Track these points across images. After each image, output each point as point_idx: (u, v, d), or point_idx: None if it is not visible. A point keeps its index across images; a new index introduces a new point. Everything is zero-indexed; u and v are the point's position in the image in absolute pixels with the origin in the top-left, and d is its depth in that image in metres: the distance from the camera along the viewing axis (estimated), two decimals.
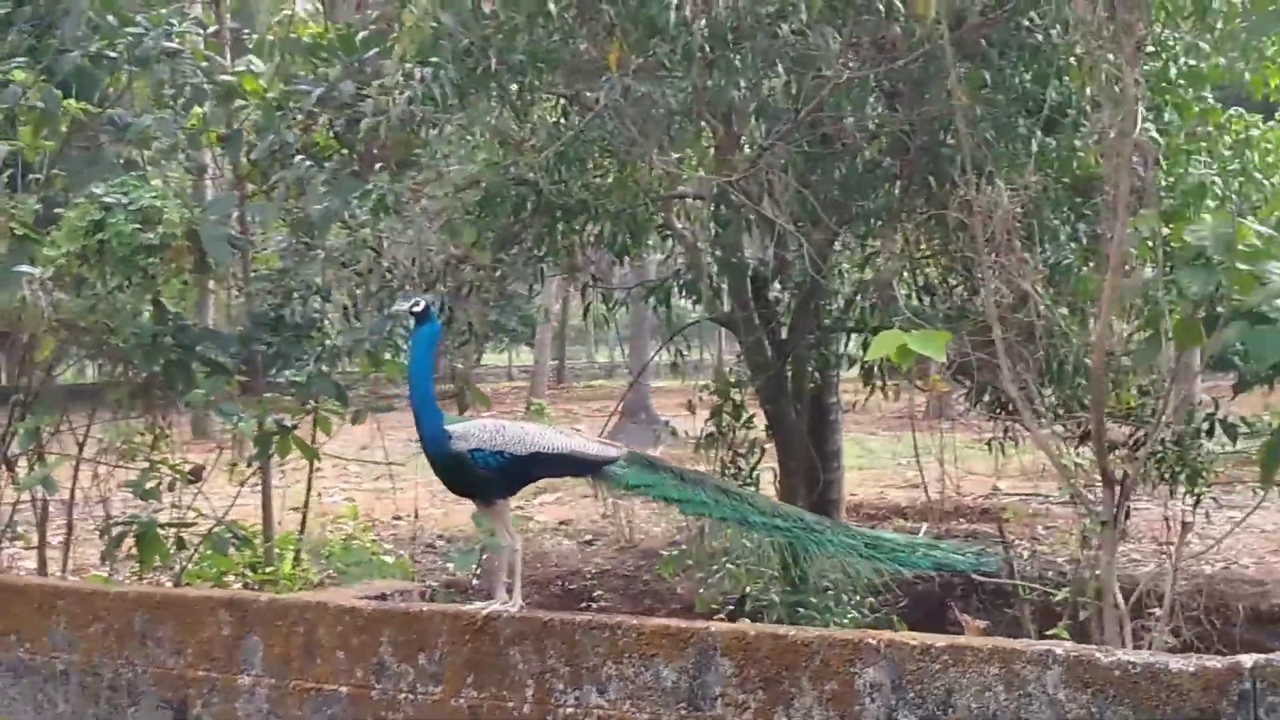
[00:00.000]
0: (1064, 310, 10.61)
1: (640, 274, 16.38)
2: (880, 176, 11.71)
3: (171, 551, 12.43)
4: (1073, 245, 11.27)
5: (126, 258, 10.87)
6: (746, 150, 11.75)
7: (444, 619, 6.53)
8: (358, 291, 11.71)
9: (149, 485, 11.35)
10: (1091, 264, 11.24)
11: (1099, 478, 8.88)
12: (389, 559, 15.70)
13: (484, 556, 12.08)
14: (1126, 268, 8.93)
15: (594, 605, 16.28)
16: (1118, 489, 8.81)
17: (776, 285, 13.54)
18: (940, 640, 5.61)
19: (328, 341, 11.72)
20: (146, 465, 11.85)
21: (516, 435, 6.70)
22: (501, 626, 6.37)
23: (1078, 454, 10.44)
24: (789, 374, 13.52)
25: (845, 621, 12.43)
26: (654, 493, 6.99)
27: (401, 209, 11.27)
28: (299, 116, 12.33)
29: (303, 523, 14.81)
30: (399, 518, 19.34)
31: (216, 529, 12.57)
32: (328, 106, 12.22)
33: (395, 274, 11.41)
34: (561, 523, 19.29)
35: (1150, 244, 8.81)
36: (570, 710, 6.19)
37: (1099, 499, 8.88)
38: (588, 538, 18.61)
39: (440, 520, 18.78)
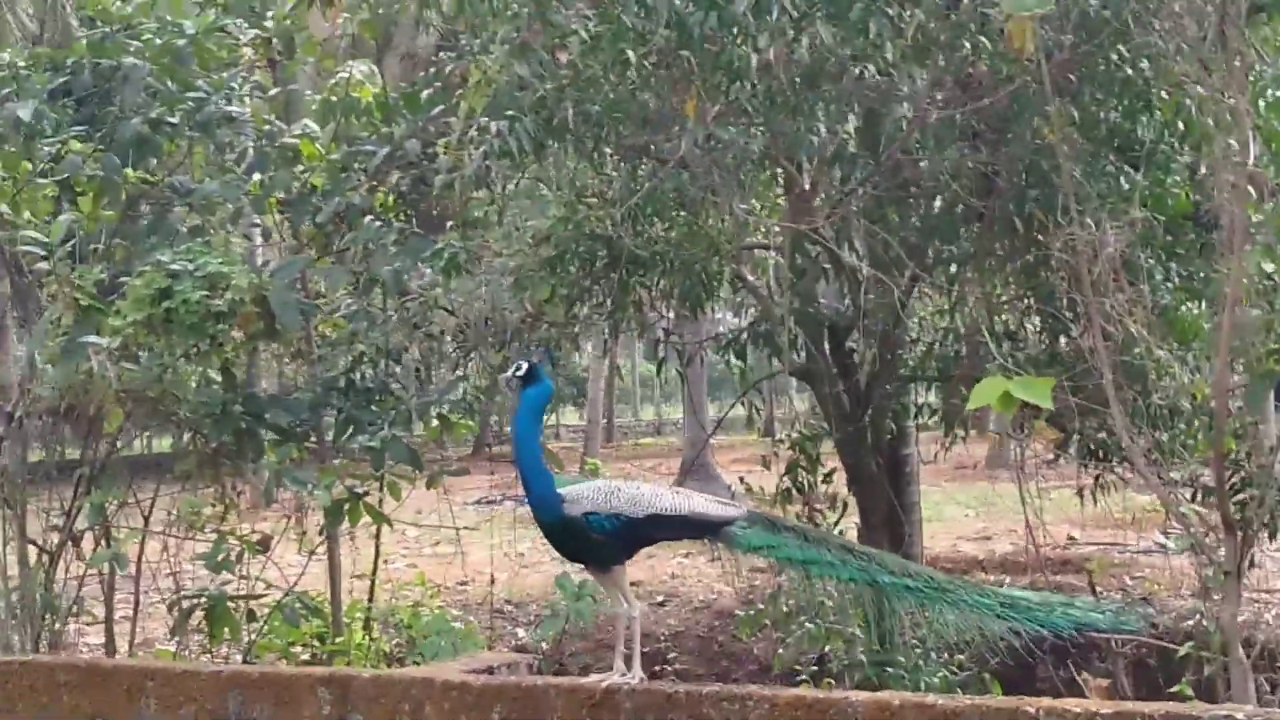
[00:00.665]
0: (1163, 351, 10.25)
1: (697, 330, 15.99)
2: (961, 219, 11.35)
3: (241, 624, 12.19)
4: (1168, 285, 10.90)
5: (195, 325, 10.63)
6: (823, 197, 11.40)
7: (560, 693, 6.22)
8: (431, 353, 11.46)
9: (220, 557, 11.04)
10: (1189, 304, 10.91)
11: (1214, 525, 8.56)
12: (458, 625, 15.40)
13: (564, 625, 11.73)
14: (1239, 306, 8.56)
15: (670, 669, 15.89)
16: (1239, 537, 8.46)
17: (855, 335, 13.18)
18: (1105, 707, 5.26)
19: (400, 405, 11.40)
20: (216, 536, 11.59)
21: (631, 497, 6.55)
22: (622, 700, 6.03)
23: (1188, 501, 10.07)
24: (868, 426, 13.16)
25: (935, 681, 12.02)
26: (777, 554, 6.77)
27: (472, 267, 11.02)
28: (363, 178, 12.10)
29: (371, 591, 14.51)
30: (464, 583, 19.00)
31: (286, 600, 12.34)
32: (393, 166, 11.98)
33: (468, 334, 11.14)
34: (631, 583, 18.93)
35: (1251, 281, 8.49)
36: None
37: (1212, 546, 8.56)
38: (659, 598, 18.24)
39: (506, 584, 18.45)
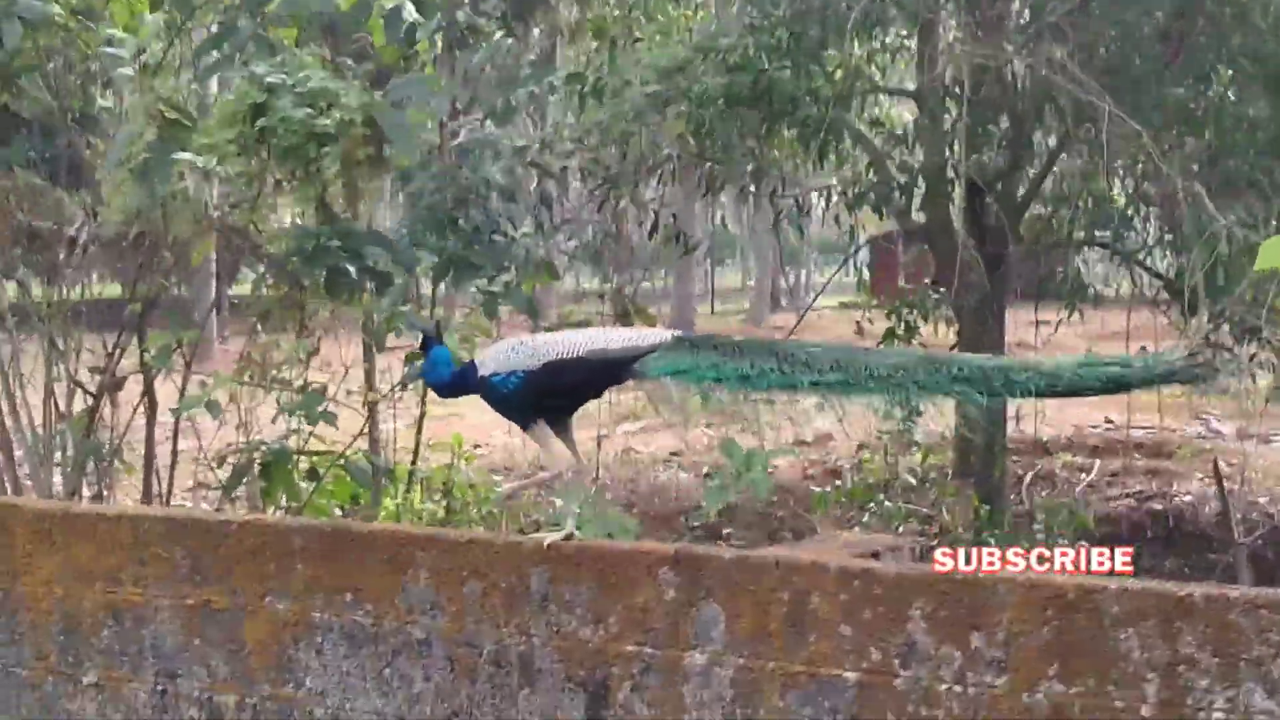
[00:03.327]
0: None
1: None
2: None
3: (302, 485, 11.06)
4: None
5: (294, 147, 9.29)
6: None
7: (1013, 589, 5.04)
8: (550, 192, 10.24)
9: (320, 407, 9.83)
10: None
11: None
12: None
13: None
14: None
15: (732, 544, 14.87)
16: None
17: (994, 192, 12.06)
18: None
19: (515, 248, 10.17)
20: (299, 386, 10.37)
21: (533, 349, 6.19)
22: (1107, 602, 4.85)
23: None
24: (993, 293, 12.09)
25: None
26: (688, 378, 6.10)
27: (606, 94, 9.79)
28: None
29: (415, 450, 13.32)
30: (478, 445, 17.85)
31: (355, 456, 11.16)
32: None
33: (596, 171, 9.93)
34: (672, 453, 17.79)
35: None
36: (1220, 715, 4.71)
37: None
38: (706, 469, 17.16)
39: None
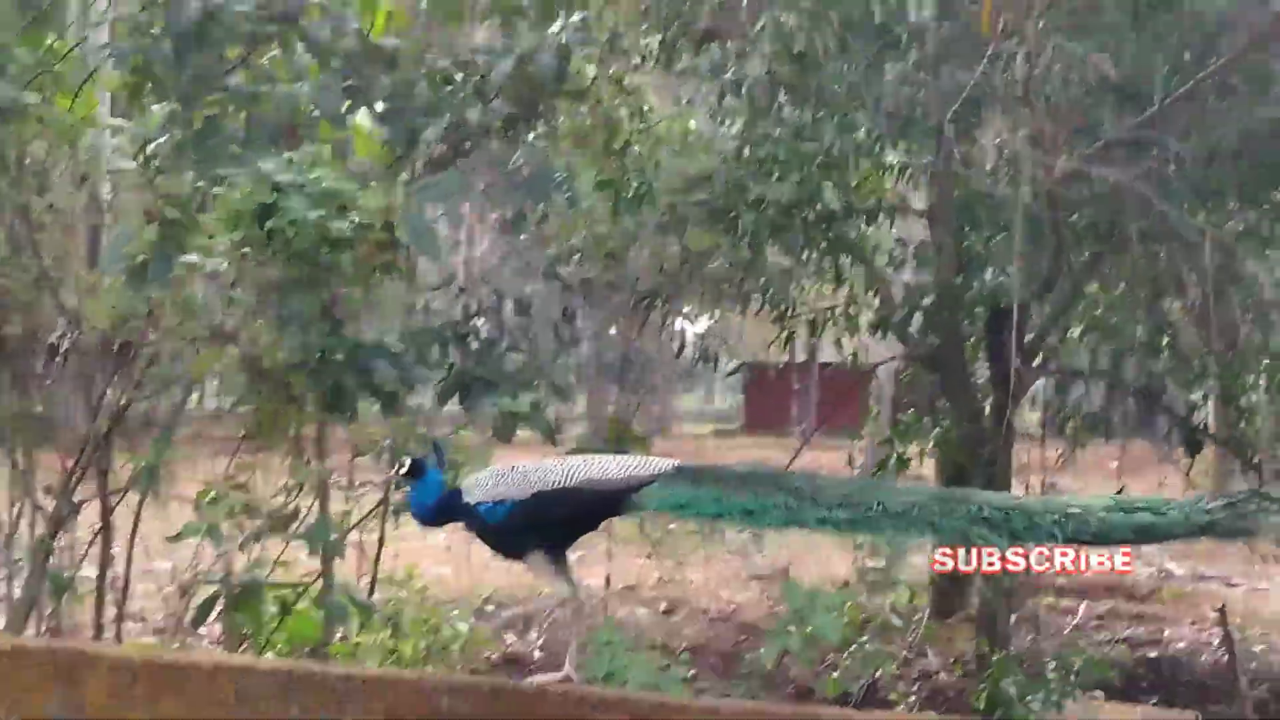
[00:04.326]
0: None
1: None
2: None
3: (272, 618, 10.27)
4: None
5: (304, 252, 8.59)
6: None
7: None
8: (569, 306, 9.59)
9: (333, 537, 9.08)
10: None
11: None
12: (462, 626, 13.47)
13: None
14: None
15: (696, 689, 14.08)
16: None
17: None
18: None
19: (531, 364, 9.49)
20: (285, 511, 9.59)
21: (521, 476, 5.93)
22: None
23: None
24: (1000, 423, 11.53)
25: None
26: (692, 513, 5.84)
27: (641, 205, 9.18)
28: (467, 91, 10.12)
29: (372, 584, 12.46)
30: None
31: (333, 592, 10.36)
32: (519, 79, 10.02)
33: (623, 283, 9.30)
34: (626, 588, 16.98)
35: None
36: None
37: None
38: (663, 606, 16.42)
39: (468, 580, 16.43)
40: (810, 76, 8.37)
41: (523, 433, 9.49)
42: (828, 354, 19.16)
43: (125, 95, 9.80)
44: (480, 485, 5.97)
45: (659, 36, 9.03)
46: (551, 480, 5.88)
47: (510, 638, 14.46)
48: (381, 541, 11.80)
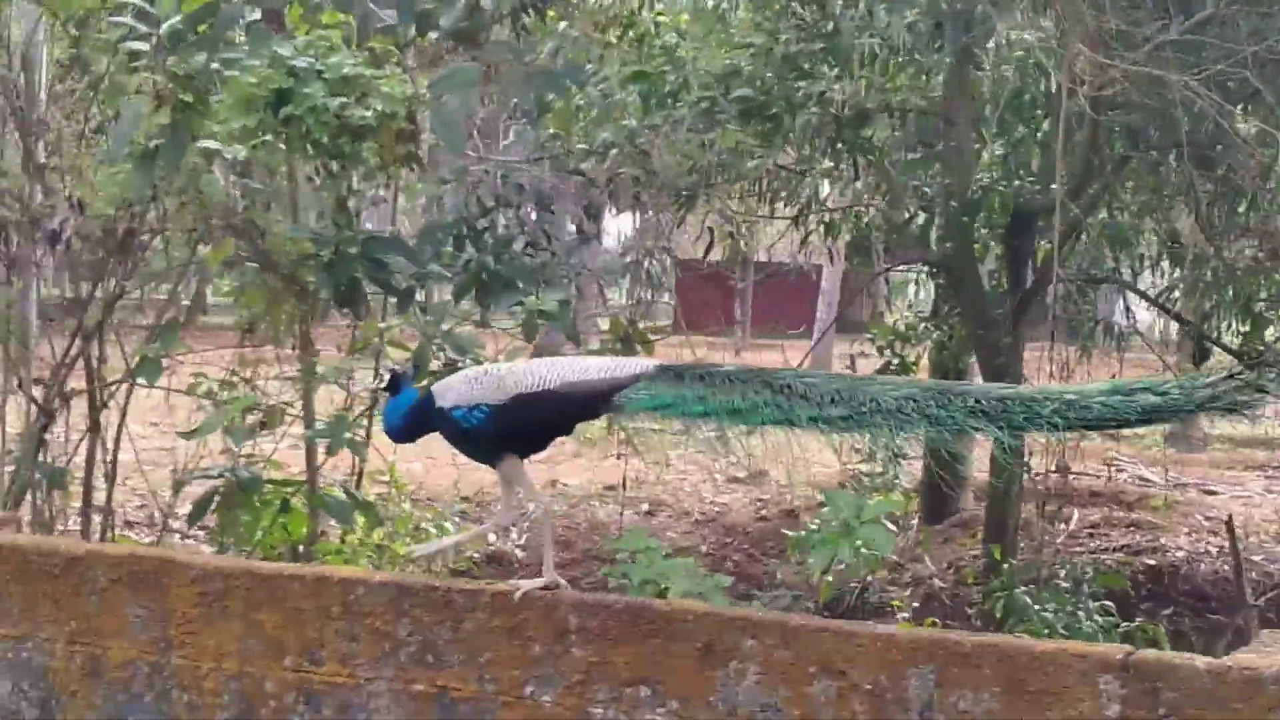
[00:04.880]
0: None
1: None
2: None
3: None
4: None
5: (325, 140, 8.23)
6: None
7: None
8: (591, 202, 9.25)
9: (346, 435, 8.75)
10: None
11: None
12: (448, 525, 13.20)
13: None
14: None
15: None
16: None
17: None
18: None
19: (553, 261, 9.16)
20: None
21: (497, 380, 5.63)
22: None
23: None
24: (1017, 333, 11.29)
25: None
26: (675, 413, 5.54)
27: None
28: None
29: (358, 483, 12.13)
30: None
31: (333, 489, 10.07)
32: None
33: (652, 181, 8.96)
34: (607, 488, 16.65)
35: None
36: None
37: None
38: (645, 507, 16.17)
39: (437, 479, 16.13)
40: None
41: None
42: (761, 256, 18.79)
43: None
44: (453, 389, 5.68)
45: None
46: (529, 384, 5.58)
47: (491, 537, 14.12)
48: (368, 438, 11.48)
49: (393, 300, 9.34)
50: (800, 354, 18.05)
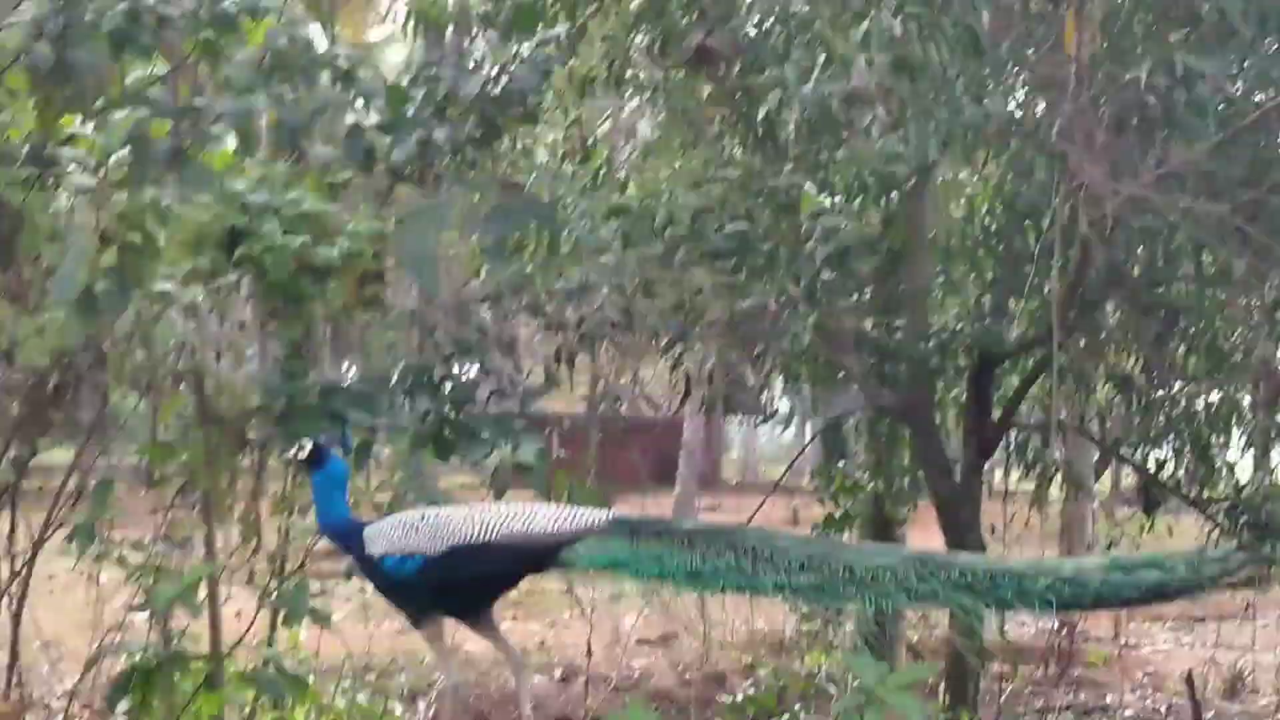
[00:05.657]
0: None
1: None
2: None
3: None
4: None
5: (284, 282, 7.59)
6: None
7: None
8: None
9: (307, 600, 8.04)
10: None
11: None
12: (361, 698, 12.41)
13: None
14: None
15: None
16: None
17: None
18: None
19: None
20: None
21: (434, 528, 5.34)
22: None
23: None
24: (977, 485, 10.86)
25: None
26: (626, 573, 5.35)
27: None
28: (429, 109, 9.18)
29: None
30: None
31: (262, 665, 9.27)
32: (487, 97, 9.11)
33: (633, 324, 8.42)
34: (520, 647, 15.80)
35: None
36: None
37: None
38: (559, 673, 15.30)
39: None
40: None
41: None
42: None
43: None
44: (384, 535, 5.40)
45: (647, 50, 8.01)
46: (468, 533, 5.29)
47: (396, 708, 13.29)
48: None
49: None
50: (664, 506, 17.57)
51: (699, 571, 5.09)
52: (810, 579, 5.04)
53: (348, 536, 5.50)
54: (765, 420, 14.62)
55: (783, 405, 13.47)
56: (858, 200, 9.16)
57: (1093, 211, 7.89)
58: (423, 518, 5.41)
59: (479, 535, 5.25)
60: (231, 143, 8.63)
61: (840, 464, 12.42)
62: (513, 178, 9.05)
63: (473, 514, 5.39)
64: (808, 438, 15.49)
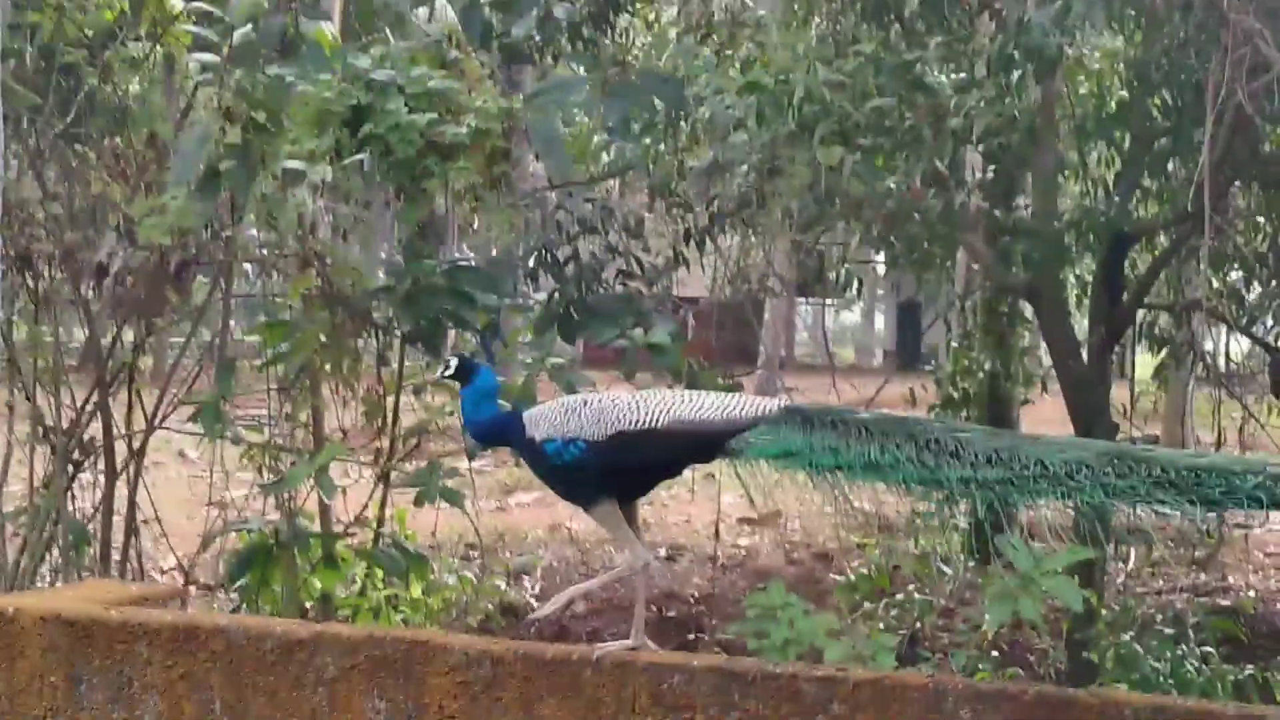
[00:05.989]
0: None
1: None
2: None
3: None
4: None
5: (410, 160, 7.37)
6: None
7: None
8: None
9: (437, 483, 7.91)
10: None
11: None
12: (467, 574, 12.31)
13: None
14: None
15: (708, 638, 12.96)
16: None
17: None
18: None
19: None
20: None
21: (597, 413, 5.07)
22: None
23: None
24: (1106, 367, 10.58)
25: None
26: (799, 463, 4.96)
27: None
28: None
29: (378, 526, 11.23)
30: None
31: (383, 543, 9.22)
32: None
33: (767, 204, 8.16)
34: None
35: None
36: None
37: None
38: (663, 551, 15.23)
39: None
40: None
41: None
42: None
43: None
44: (547, 419, 5.12)
45: None
46: (634, 420, 5.02)
47: (500, 584, 13.23)
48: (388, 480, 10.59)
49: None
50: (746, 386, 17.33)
51: (877, 463, 4.87)
52: (999, 473, 4.76)
53: (505, 426, 5.26)
54: (845, 301, 14.36)
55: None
56: (1000, 78, 8.71)
57: (1253, 80, 7.52)
58: (585, 402, 5.18)
59: (645, 421, 5.05)
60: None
61: (960, 344, 12.09)
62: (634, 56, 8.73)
63: (637, 400, 5.16)
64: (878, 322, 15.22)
